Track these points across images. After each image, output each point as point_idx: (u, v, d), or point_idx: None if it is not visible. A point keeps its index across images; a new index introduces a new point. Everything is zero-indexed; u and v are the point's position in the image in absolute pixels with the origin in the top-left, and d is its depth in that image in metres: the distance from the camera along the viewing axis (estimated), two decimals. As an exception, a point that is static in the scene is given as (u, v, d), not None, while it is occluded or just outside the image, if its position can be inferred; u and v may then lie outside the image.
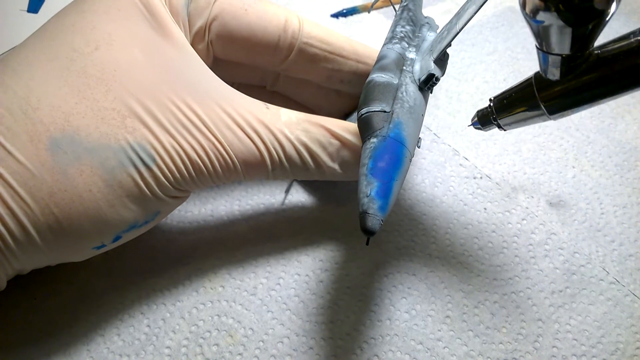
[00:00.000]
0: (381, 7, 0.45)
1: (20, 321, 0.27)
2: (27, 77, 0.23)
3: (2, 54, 0.36)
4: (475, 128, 0.27)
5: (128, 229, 0.25)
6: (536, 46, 0.22)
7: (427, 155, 0.34)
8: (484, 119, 0.26)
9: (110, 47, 0.24)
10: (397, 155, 0.24)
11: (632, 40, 0.21)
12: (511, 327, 0.27)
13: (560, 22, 0.19)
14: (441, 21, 0.28)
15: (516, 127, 0.26)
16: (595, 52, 0.22)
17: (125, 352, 0.26)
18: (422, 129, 0.36)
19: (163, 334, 0.27)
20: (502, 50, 0.41)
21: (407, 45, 0.28)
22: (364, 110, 0.25)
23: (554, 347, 0.27)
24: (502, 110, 0.25)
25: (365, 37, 0.43)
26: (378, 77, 0.26)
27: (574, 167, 0.34)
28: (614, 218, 0.31)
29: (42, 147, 0.22)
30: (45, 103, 0.23)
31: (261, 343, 0.27)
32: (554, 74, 0.22)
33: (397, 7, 0.31)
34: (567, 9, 0.19)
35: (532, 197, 0.32)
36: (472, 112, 0.37)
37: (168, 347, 0.26)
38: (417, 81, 0.26)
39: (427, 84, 0.26)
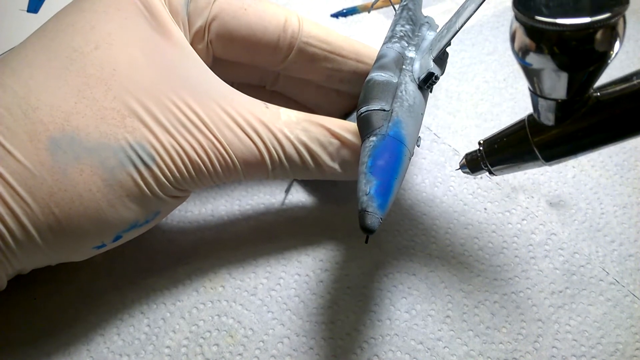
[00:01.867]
0: (381, 7, 0.45)
1: (21, 321, 0.27)
2: (27, 77, 0.23)
3: (2, 53, 0.36)
4: (464, 172, 0.25)
5: (128, 228, 0.25)
6: (528, 88, 0.20)
7: (427, 155, 0.34)
8: (473, 164, 0.24)
9: (109, 47, 0.24)
10: (397, 154, 0.24)
11: (635, 82, 0.19)
12: (511, 327, 0.27)
13: (555, 66, 0.17)
14: (441, 21, 0.28)
15: (509, 173, 0.24)
16: (595, 94, 0.19)
17: (125, 351, 0.26)
18: (422, 128, 0.36)
19: (163, 334, 0.27)
20: (502, 50, 0.41)
21: (406, 44, 0.28)
22: (363, 109, 0.25)
23: (553, 347, 0.27)
24: (492, 155, 0.23)
25: (365, 37, 0.43)
26: (377, 75, 0.26)
27: (574, 167, 0.34)
28: (614, 218, 0.31)
29: (42, 147, 0.22)
30: (44, 103, 0.23)
31: (261, 343, 0.27)
32: (549, 119, 0.20)
33: (396, 6, 0.31)
34: (563, 53, 0.17)
35: (532, 197, 0.32)
36: (472, 112, 0.38)
37: (168, 347, 0.26)
38: (417, 80, 0.26)
39: (427, 82, 0.26)
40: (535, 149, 0.21)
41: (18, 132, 0.22)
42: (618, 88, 0.19)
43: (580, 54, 0.17)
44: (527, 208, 0.32)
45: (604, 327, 0.27)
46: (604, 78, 0.19)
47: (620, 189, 0.33)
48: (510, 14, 0.44)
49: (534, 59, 0.18)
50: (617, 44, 0.17)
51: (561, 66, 0.17)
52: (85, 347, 0.26)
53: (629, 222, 0.31)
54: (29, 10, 0.39)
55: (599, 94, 0.19)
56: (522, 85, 0.39)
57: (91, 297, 0.28)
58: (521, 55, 0.18)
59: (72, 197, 0.23)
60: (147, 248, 0.30)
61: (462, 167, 0.26)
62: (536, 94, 0.20)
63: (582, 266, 0.29)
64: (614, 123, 0.19)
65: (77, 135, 0.23)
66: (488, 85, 0.39)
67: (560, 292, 0.28)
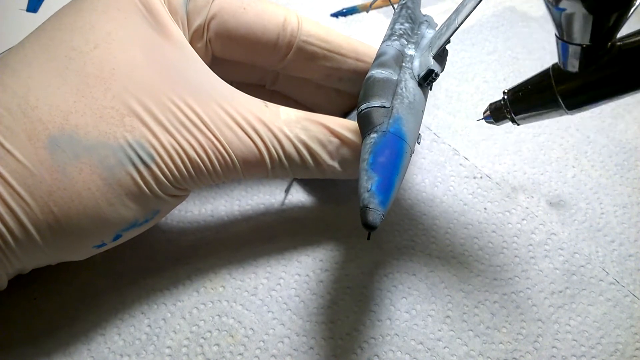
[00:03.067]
0: (380, 7, 0.45)
1: (21, 321, 0.27)
2: (26, 76, 0.23)
3: (1, 53, 0.36)
4: (487, 122, 0.26)
5: (128, 227, 0.25)
6: (555, 35, 0.21)
7: (427, 155, 0.34)
8: (497, 113, 0.25)
9: (109, 46, 0.24)
10: (398, 150, 0.24)
11: None
12: (511, 327, 0.27)
13: (584, 10, 0.18)
14: (440, 20, 0.28)
15: (532, 122, 0.24)
16: (618, 43, 0.20)
17: (126, 351, 0.26)
18: (422, 128, 0.36)
19: (164, 334, 0.27)
20: (502, 50, 0.41)
21: (406, 42, 0.28)
22: (363, 106, 0.25)
23: (553, 347, 0.27)
24: (517, 104, 0.24)
25: (365, 37, 0.43)
26: (377, 73, 0.26)
27: (574, 167, 0.34)
28: (614, 218, 0.31)
29: (41, 146, 0.22)
30: (44, 102, 0.23)
31: (262, 343, 0.27)
32: (574, 65, 0.21)
33: (396, 5, 0.31)
34: None
35: (532, 197, 0.32)
36: (472, 112, 0.38)
37: (169, 347, 0.26)
38: (417, 77, 0.26)
39: (427, 79, 0.26)
40: (558, 97, 0.22)
41: (17, 131, 0.22)
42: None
43: None
44: (527, 208, 0.32)
45: (604, 327, 0.27)
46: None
47: (620, 189, 0.33)
48: (510, 14, 0.44)
49: (565, 4, 0.18)
50: None
51: (589, 9, 0.18)
52: (86, 347, 0.26)
53: (629, 222, 0.31)
54: (28, 10, 0.39)
55: (621, 43, 0.20)
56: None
57: (91, 297, 0.28)
58: (554, 2, 0.19)
59: (71, 196, 0.23)
60: (147, 248, 0.30)
61: (486, 117, 0.26)
62: (563, 39, 0.20)
63: (582, 266, 0.29)
64: (635, 71, 0.20)
65: (76, 134, 0.23)
66: (488, 85, 0.39)
67: (560, 292, 0.28)
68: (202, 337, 0.27)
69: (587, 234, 0.31)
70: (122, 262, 0.29)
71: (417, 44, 0.28)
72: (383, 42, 0.28)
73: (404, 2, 0.30)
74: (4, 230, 0.22)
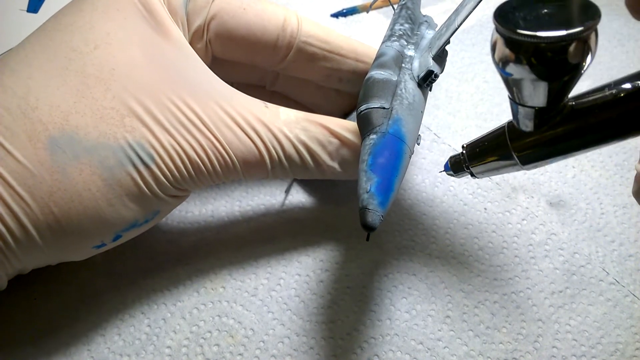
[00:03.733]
0: (380, 7, 0.45)
1: (21, 321, 0.27)
2: (26, 77, 0.23)
3: (2, 53, 0.36)
4: (447, 174, 0.27)
5: (128, 228, 0.25)
6: (508, 96, 0.21)
7: (427, 155, 0.34)
8: (456, 166, 0.26)
9: (109, 47, 0.24)
10: (397, 151, 0.24)
11: (607, 93, 0.20)
12: (511, 327, 0.27)
13: (533, 76, 0.18)
14: (440, 20, 0.28)
15: (488, 176, 0.25)
16: (570, 103, 0.21)
17: (126, 352, 0.26)
18: (422, 128, 0.36)
19: (164, 334, 0.27)
20: (502, 50, 0.41)
21: (405, 43, 0.28)
22: (363, 107, 0.25)
23: (553, 347, 0.27)
24: (474, 159, 0.24)
25: (365, 37, 0.43)
26: (377, 74, 0.26)
27: (574, 167, 0.34)
28: (614, 218, 0.31)
29: (41, 147, 0.22)
30: (44, 102, 0.23)
31: (262, 343, 0.27)
32: (527, 125, 0.21)
33: (395, 6, 0.31)
34: (540, 63, 0.18)
35: (532, 197, 0.32)
36: (472, 112, 0.38)
37: (169, 347, 0.26)
38: (416, 78, 0.26)
39: (426, 80, 0.26)
40: (513, 153, 0.22)
41: (17, 132, 0.22)
42: (592, 98, 0.20)
43: (555, 64, 0.18)
44: (527, 208, 0.32)
45: (604, 327, 0.27)
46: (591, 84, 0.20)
47: (620, 189, 0.33)
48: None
49: (513, 69, 0.19)
50: (589, 57, 0.18)
51: (538, 76, 0.18)
52: (86, 347, 0.26)
53: (629, 222, 0.31)
54: (28, 10, 0.39)
55: (574, 102, 0.21)
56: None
57: (92, 297, 0.28)
58: (501, 65, 0.19)
59: (71, 196, 0.23)
60: (148, 248, 0.30)
61: (446, 168, 0.27)
62: (515, 102, 0.21)
63: (582, 266, 0.29)
64: (587, 130, 0.21)
65: (77, 135, 0.23)
66: (488, 85, 0.39)
67: (560, 292, 0.28)
68: (202, 338, 0.27)
69: (587, 234, 0.31)
70: (123, 263, 0.29)
71: (416, 45, 0.28)
72: (383, 42, 0.28)
73: (403, 2, 0.30)
74: (4, 230, 0.22)
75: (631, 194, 0.32)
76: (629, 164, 0.34)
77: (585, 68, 0.18)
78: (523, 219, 0.31)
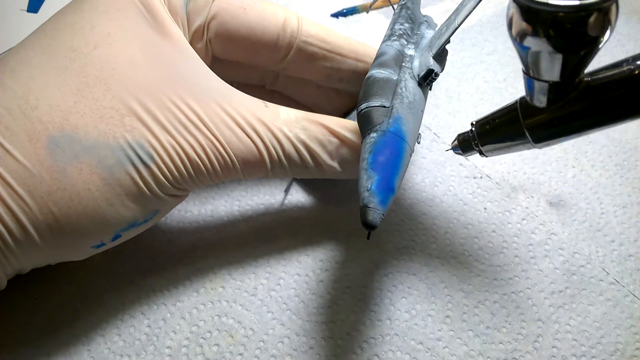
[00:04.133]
0: (381, 7, 0.45)
1: (21, 321, 0.27)
2: (26, 77, 0.23)
3: (2, 53, 0.36)
4: (455, 153, 0.26)
5: (127, 227, 0.25)
6: (522, 70, 0.20)
7: (427, 154, 0.34)
8: (465, 144, 0.25)
9: (109, 47, 0.24)
10: (398, 150, 0.24)
11: (625, 68, 0.19)
12: (511, 327, 0.27)
13: (550, 48, 0.18)
14: (440, 20, 0.28)
15: (499, 154, 0.24)
16: (586, 79, 0.20)
17: (125, 352, 0.26)
18: (422, 128, 0.36)
19: (164, 334, 0.27)
20: (502, 50, 0.41)
21: (405, 43, 0.28)
22: (363, 106, 0.25)
23: (553, 347, 0.27)
24: (484, 136, 0.24)
25: (365, 37, 0.43)
26: (377, 73, 0.26)
27: (574, 167, 0.34)
28: (614, 218, 0.31)
29: (41, 146, 0.22)
30: (44, 102, 0.23)
31: (261, 343, 0.27)
32: (541, 100, 0.21)
33: (395, 6, 0.31)
34: (558, 35, 0.17)
35: (532, 197, 0.32)
36: (472, 112, 0.38)
37: (169, 347, 0.26)
38: (417, 77, 0.26)
39: (427, 79, 0.26)
40: (525, 130, 0.22)
41: (17, 132, 0.22)
42: (608, 73, 0.20)
43: (574, 36, 0.17)
44: (527, 208, 0.32)
45: (604, 327, 0.27)
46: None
47: (620, 189, 0.33)
48: (510, 13, 0.44)
49: (530, 42, 0.18)
50: (608, 31, 0.18)
51: (556, 48, 0.18)
52: (86, 347, 0.26)
53: (629, 222, 0.31)
54: (29, 10, 0.39)
55: (589, 78, 0.20)
56: (522, 85, 0.39)
57: (91, 298, 0.28)
58: (519, 39, 0.18)
59: (70, 196, 0.23)
60: (147, 248, 0.30)
61: (454, 147, 0.26)
62: (530, 76, 0.20)
63: (582, 266, 0.29)
64: (602, 107, 0.20)
65: (76, 134, 0.23)
66: (488, 85, 0.39)
67: (560, 292, 0.28)
68: (202, 337, 0.27)
69: (587, 234, 0.31)
70: (122, 263, 0.29)
71: (416, 44, 0.28)
72: (383, 42, 0.28)
73: (403, 2, 0.30)
74: (3, 230, 0.22)
75: (631, 194, 0.32)
76: (629, 164, 0.34)
77: (603, 43, 0.18)
78: (523, 219, 0.31)
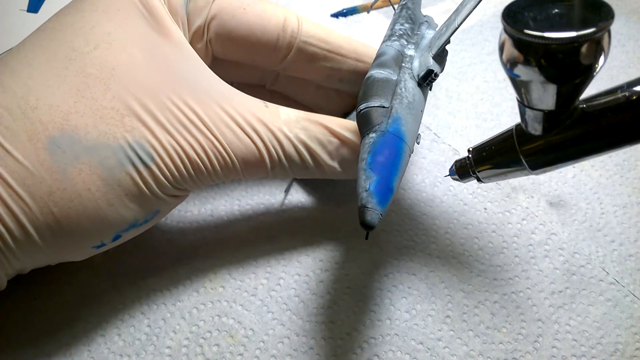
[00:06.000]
0: (381, 7, 0.45)
1: (21, 321, 0.27)
2: (26, 77, 0.23)
3: (2, 53, 0.36)
4: (453, 179, 0.26)
5: (127, 228, 0.25)
6: (516, 99, 0.20)
7: (427, 155, 0.34)
8: (462, 171, 0.25)
9: (109, 47, 0.24)
10: (396, 150, 0.24)
11: (620, 95, 0.19)
12: (511, 327, 0.27)
13: (542, 78, 0.18)
14: (441, 20, 0.28)
15: (495, 180, 0.24)
16: (581, 106, 0.20)
17: (126, 352, 0.26)
18: (422, 128, 0.36)
19: (164, 334, 0.27)
20: (502, 50, 0.41)
21: (405, 43, 0.28)
22: (362, 106, 0.25)
23: (553, 347, 0.27)
24: (480, 163, 0.24)
25: (365, 37, 0.43)
26: (377, 73, 0.26)
27: (574, 167, 0.34)
28: (614, 218, 0.31)
29: (41, 147, 0.22)
30: (44, 102, 0.23)
31: (261, 343, 0.27)
32: (536, 128, 0.21)
33: (396, 6, 0.31)
34: (550, 65, 0.17)
35: (532, 197, 0.32)
36: (472, 112, 0.38)
37: (169, 347, 0.26)
38: (416, 77, 0.26)
39: (426, 80, 0.26)
40: (522, 157, 0.22)
41: (17, 132, 0.22)
42: (603, 100, 0.20)
43: (567, 66, 0.17)
44: (527, 208, 0.32)
45: (604, 327, 0.27)
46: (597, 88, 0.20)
47: (620, 189, 0.33)
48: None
49: (521, 71, 0.18)
50: (601, 58, 0.18)
51: (548, 78, 0.18)
52: (86, 347, 0.26)
53: (629, 222, 0.31)
54: (29, 10, 0.39)
55: (585, 105, 0.20)
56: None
57: (91, 298, 0.28)
58: (509, 66, 0.18)
59: (71, 196, 0.23)
60: (147, 248, 0.30)
61: (451, 173, 0.26)
62: (524, 104, 0.20)
63: (582, 266, 0.29)
64: (598, 134, 0.20)
65: (76, 135, 0.23)
66: (488, 85, 0.39)
67: (560, 292, 0.28)
68: (202, 337, 0.27)
69: (587, 234, 0.31)
70: (122, 263, 0.29)
71: (416, 44, 0.28)
72: (383, 42, 0.28)
73: (404, 2, 0.30)
74: (3, 230, 0.22)
75: (631, 194, 0.32)
76: (629, 164, 0.34)
77: (598, 70, 0.18)
78: (523, 219, 0.31)
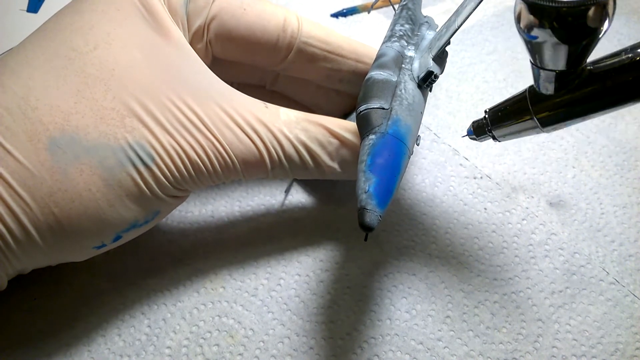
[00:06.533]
0: (381, 7, 0.45)
1: (21, 321, 0.27)
2: (26, 77, 0.23)
3: (2, 53, 0.36)
4: (470, 138, 0.28)
5: (128, 228, 0.25)
6: (530, 61, 0.22)
7: (427, 155, 0.34)
8: (479, 130, 0.27)
9: (109, 47, 0.24)
10: (396, 152, 0.24)
11: (624, 57, 0.22)
12: (511, 327, 0.27)
13: (554, 39, 0.20)
14: (441, 21, 0.28)
15: (510, 139, 0.26)
16: (588, 67, 0.22)
17: (126, 352, 0.26)
18: (422, 128, 0.36)
19: (164, 335, 0.27)
20: (502, 50, 0.41)
21: (406, 44, 0.28)
22: (362, 107, 0.25)
23: (554, 347, 0.27)
24: (496, 122, 0.26)
25: (365, 37, 0.43)
26: (377, 74, 0.26)
27: (574, 167, 0.34)
28: (614, 218, 0.31)
29: (42, 147, 0.22)
30: (44, 103, 0.23)
31: (262, 343, 0.27)
32: (548, 88, 0.23)
33: (396, 6, 0.31)
34: (561, 27, 0.19)
35: (532, 197, 0.32)
36: (472, 112, 0.38)
37: (169, 348, 0.27)
38: (416, 79, 0.26)
39: (426, 81, 0.26)
40: (534, 116, 0.24)
41: (18, 132, 0.22)
42: (609, 62, 0.22)
43: (575, 28, 0.19)
44: (527, 208, 0.32)
45: (604, 327, 0.27)
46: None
47: (620, 189, 0.33)
48: (510, 14, 0.44)
49: (537, 33, 0.20)
50: (606, 22, 0.20)
51: (559, 39, 0.20)
52: (87, 347, 0.26)
53: (629, 222, 0.31)
54: (28, 10, 0.39)
55: (592, 67, 0.22)
56: (522, 85, 0.38)
57: (92, 298, 0.28)
58: (527, 30, 0.20)
59: (71, 196, 0.23)
60: (148, 249, 0.30)
61: (469, 132, 0.28)
62: (537, 66, 0.22)
63: (582, 266, 0.29)
64: (604, 93, 0.22)
65: (77, 135, 0.23)
66: (488, 85, 0.39)
67: (561, 292, 0.29)
68: (202, 338, 0.27)
69: (587, 234, 0.31)
70: (123, 263, 0.29)
71: (417, 45, 0.28)
72: (383, 43, 0.28)
73: (404, 2, 0.30)
74: (4, 231, 0.22)
75: (631, 194, 0.32)
76: (629, 164, 0.34)
77: (602, 33, 0.20)
78: (523, 219, 0.31)
